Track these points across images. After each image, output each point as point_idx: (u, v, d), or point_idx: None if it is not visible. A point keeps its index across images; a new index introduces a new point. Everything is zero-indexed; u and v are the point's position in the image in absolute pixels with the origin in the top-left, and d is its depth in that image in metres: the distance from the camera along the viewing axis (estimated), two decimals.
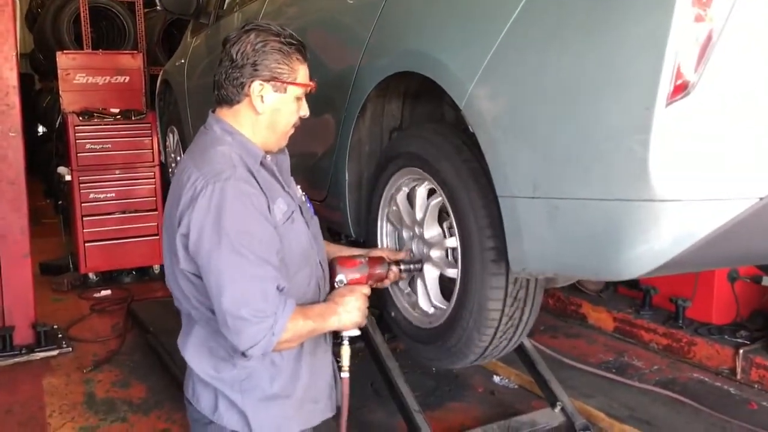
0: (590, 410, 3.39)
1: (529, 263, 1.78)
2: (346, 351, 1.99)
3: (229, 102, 1.85)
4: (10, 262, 4.23)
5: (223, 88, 1.84)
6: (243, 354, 1.74)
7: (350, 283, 2.01)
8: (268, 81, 1.81)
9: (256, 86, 1.81)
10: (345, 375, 2.01)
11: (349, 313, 1.91)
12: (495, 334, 2.05)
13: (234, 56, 1.81)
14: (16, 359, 4.19)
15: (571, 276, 2.11)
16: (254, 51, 1.80)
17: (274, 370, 1.87)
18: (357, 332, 1.97)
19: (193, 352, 1.89)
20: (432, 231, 2.23)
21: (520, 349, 3.15)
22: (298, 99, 1.88)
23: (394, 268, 2.14)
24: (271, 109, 1.84)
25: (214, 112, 1.90)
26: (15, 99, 4.13)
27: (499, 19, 1.76)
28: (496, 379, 3.91)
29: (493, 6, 1.82)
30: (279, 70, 1.82)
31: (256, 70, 1.80)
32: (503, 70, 1.76)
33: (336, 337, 2.02)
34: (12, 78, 4.12)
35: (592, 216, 1.56)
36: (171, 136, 5.30)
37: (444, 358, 2.21)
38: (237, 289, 1.68)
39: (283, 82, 1.83)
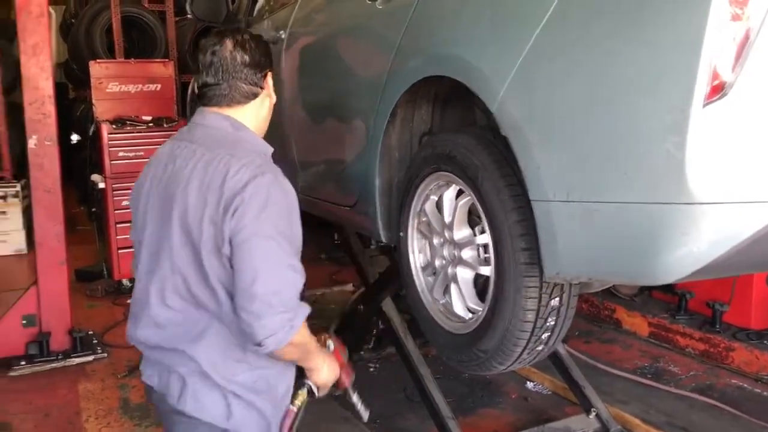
0: (626, 416, 3.34)
1: (563, 268, 1.76)
2: (303, 394, 1.97)
3: (243, 101, 1.87)
4: (47, 269, 4.28)
5: (237, 90, 1.85)
6: (258, 344, 1.69)
7: (334, 353, 2.09)
8: (271, 68, 1.94)
9: (269, 75, 1.93)
10: (293, 408, 1.95)
11: (330, 372, 1.99)
12: (529, 339, 2.03)
13: (243, 58, 1.85)
14: (53, 365, 4.23)
15: (606, 280, 2.09)
16: (257, 46, 1.88)
17: (284, 366, 1.89)
18: (315, 391, 1.98)
19: (208, 357, 1.80)
20: (462, 233, 2.21)
21: (554, 355, 3.13)
22: None
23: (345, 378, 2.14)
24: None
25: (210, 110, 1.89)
26: (51, 108, 4.19)
27: (531, 21, 1.74)
28: (530, 385, 3.87)
29: (525, 8, 1.81)
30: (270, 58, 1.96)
31: (266, 60, 1.91)
32: (536, 72, 1.74)
33: (301, 376, 1.98)
34: (48, 87, 4.18)
35: (628, 220, 1.54)
36: None
37: (478, 364, 2.19)
38: (274, 275, 1.68)
39: (271, 69, 1.95)
